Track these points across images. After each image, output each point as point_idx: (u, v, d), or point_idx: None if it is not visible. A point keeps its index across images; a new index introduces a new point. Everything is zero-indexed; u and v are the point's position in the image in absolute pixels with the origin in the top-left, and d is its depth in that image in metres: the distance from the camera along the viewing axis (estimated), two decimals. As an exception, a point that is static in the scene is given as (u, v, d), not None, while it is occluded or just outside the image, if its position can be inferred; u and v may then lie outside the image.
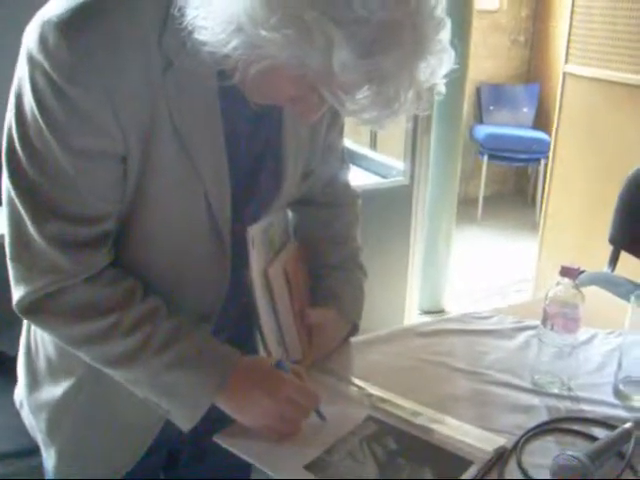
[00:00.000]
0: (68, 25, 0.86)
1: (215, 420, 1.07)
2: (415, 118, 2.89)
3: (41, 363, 1.16)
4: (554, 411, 1.15)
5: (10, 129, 0.93)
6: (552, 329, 1.19)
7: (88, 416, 1.15)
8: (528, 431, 1.09)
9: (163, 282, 1.06)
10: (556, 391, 1.20)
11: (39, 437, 1.20)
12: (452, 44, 0.86)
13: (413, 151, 2.93)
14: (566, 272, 1.17)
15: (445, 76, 0.87)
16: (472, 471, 1.00)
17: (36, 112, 0.89)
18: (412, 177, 2.93)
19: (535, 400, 1.18)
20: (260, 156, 1.09)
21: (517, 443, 1.06)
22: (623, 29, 3.14)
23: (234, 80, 0.86)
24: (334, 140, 1.25)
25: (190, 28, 0.83)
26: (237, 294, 1.13)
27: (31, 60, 0.89)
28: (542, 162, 4.97)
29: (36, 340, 1.17)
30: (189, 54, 0.86)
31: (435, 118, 3.37)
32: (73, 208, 0.95)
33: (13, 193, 0.94)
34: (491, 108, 5.40)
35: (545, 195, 3.74)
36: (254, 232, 1.10)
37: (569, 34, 3.40)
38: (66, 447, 1.17)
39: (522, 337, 1.37)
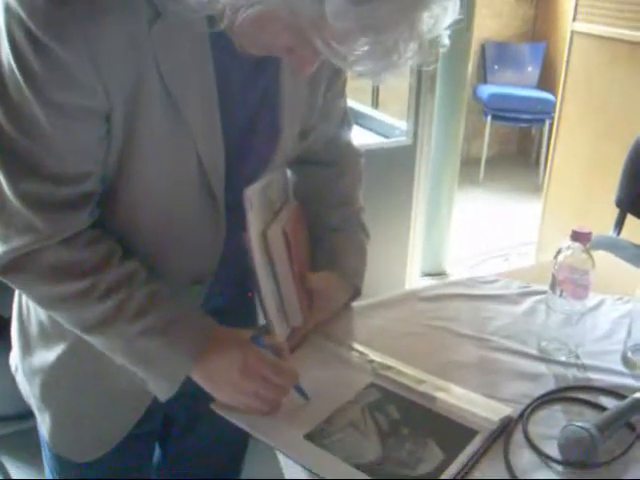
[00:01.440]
0: None
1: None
2: (419, 76, 2.85)
3: (33, 328, 1.13)
4: (561, 379, 1.12)
5: None
6: (561, 295, 1.15)
7: (81, 381, 1.12)
8: (535, 400, 1.06)
9: (153, 243, 1.02)
10: (563, 359, 1.17)
11: (33, 402, 1.18)
12: None
13: (416, 111, 2.87)
14: (577, 236, 1.13)
15: (449, 27, 0.81)
16: (477, 441, 0.97)
17: (13, 64, 0.84)
18: (415, 137, 2.88)
19: (542, 368, 1.15)
20: (256, 111, 1.04)
21: (523, 413, 1.03)
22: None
23: (222, 26, 0.80)
24: (335, 97, 1.20)
25: None
26: (234, 256, 1.09)
27: (8, 9, 0.83)
28: (547, 123, 4.90)
29: (28, 304, 1.14)
30: (176, 1, 0.80)
31: (439, 76, 3.30)
32: (51, 166, 0.90)
33: None
34: (495, 67, 5.30)
35: (549, 156, 3.68)
36: (251, 193, 1.05)
37: (577, -9, 3.31)
38: (60, 412, 1.15)
39: (528, 302, 1.34)
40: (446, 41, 0.83)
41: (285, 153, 1.11)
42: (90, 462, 1.17)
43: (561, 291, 1.15)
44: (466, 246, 4.01)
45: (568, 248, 1.14)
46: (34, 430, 1.28)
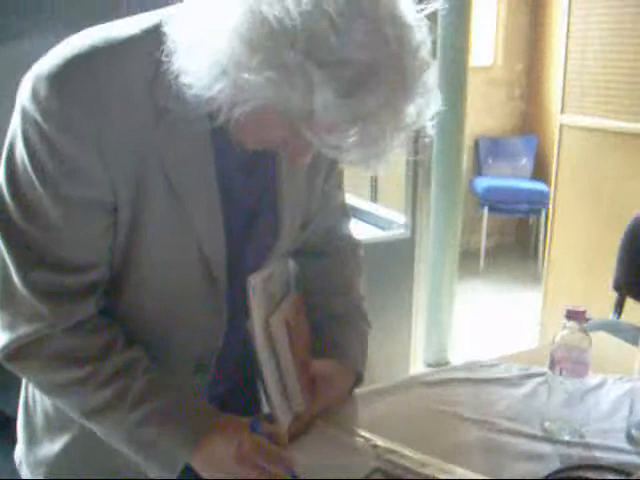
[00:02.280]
0: (58, 76, 0.88)
1: None
2: (414, 169, 2.93)
3: (39, 418, 1.14)
4: (567, 458, 1.12)
5: (0, 182, 0.94)
6: (560, 374, 1.16)
7: (84, 473, 1.12)
8: (541, 480, 1.06)
9: (156, 329, 1.05)
10: (567, 438, 1.17)
11: (37, 497, 1.17)
12: (440, 88, 0.87)
13: (414, 204, 2.93)
14: (572, 315, 1.15)
15: (432, 118, 0.87)
16: (483, 523, 0.96)
17: (27, 163, 0.90)
18: (413, 230, 2.93)
19: (546, 448, 1.15)
20: (256, 204, 1.09)
21: (529, 494, 1.03)
22: (617, 78, 3.18)
23: (218, 121, 0.85)
24: (332, 188, 1.25)
25: (176, 72, 0.84)
26: (236, 344, 1.11)
27: (23, 113, 0.90)
28: (543, 212, 4.98)
29: (34, 395, 1.15)
30: (178, 99, 0.86)
31: (435, 171, 3.39)
32: (60, 257, 0.94)
33: (1, 242, 0.94)
34: (490, 161, 5.44)
35: (547, 245, 3.73)
36: (255, 281, 1.08)
37: (563, 85, 3.45)
38: None
39: (530, 385, 1.35)
40: (431, 132, 0.88)
41: (286, 244, 1.15)
42: None
43: (560, 370, 1.16)
44: (469, 336, 4.01)
45: (564, 327, 1.16)
46: None
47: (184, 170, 0.97)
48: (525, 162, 5.46)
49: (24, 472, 1.19)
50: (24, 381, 1.19)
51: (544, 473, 1.08)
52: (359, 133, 0.80)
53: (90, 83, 0.89)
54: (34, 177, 0.90)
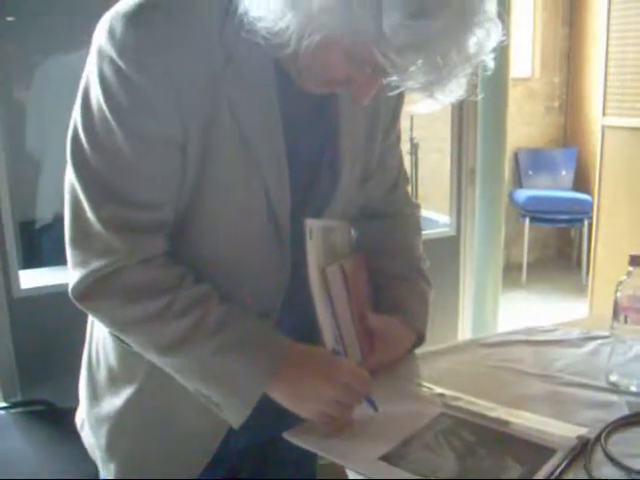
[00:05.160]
0: (135, 15, 0.92)
1: (275, 437, 1.05)
2: (458, 169, 2.94)
3: (102, 375, 1.15)
4: (635, 406, 1.10)
5: (75, 121, 0.97)
6: (625, 322, 1.15)
7: (149, 425, 1.13)
8: (612, 422, 1.04)
9: (220, 277, 1.05)
10: (634, 389, 1.15)
11: (98, 455, 1.18)
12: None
13: (458, 204, 2.93)
14: (637, 260, 1.14)
15: (492, 50, 0.88)
16: (557, 458, 0.95)
17: (101, 99, 0.93)
18: (458, 229, 2.93)
19: (614, 397, 1.13)
20: (318, 152, 1.11)
21: (601, 432, 1.01)
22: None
23: (286, 53, 0.87)
24: (391, 146, 1.26)
25: (246, 8, 0.87)
26: (300, 294, 1.12)
27: (100, 52, 0.93)
28: (585, 223, 4.93)
29: (97, 351, 1.17)
30: (247, 42, 0.89)
31: (477, 182, 3.39)
32: (131, 193, 0.96)
33: (74, 178, 0.97)
34: (530, 173, 5.41)
35: (592, 254, 3.68)
36: (312, 224, 1.10)
37: (605, 87, 3.44)
38: (126, 460, 1.15)
39: (591, 345, 1.33)
40: (491, 65, 0.90)
41: (345, 198, 1.16)
42: None
43: (625, 318, 1.15)
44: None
45: (629, 274, 1.15)
46: None
47: (252, 115, 0.99)
48: (565, 174, 5.42)
49: (85, 432, 1.21)
50: (87, 345, 1.21)
51: (612, 419, 1.06)
52: (424, 57, 0.82)
53: (165, 23, 0.92)
54: (108, 113, 0.93)
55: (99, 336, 1.16)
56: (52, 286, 2.04)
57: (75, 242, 0.99)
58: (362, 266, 1.27)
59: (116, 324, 1.03)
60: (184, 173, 0.99)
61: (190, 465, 1.14)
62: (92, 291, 0.98)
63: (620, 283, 1.16)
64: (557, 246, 5.80)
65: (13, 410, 1.87)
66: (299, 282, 1.11)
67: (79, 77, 0.98)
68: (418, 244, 1.34)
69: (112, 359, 1.13)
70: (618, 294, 1.15)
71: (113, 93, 0.92)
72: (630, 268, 1.15)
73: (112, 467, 1.15)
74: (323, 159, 1.12)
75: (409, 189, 1.37)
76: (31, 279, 2.14)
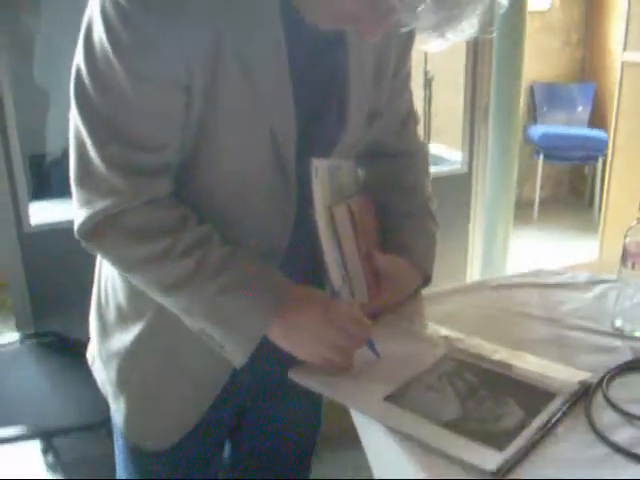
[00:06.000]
0: None
1: (280, 380, 1.07)
2: (472, 105, 2.89)
3: (111, 312, 1.17)
4: (639, 352, 1.11)
5: (78, 61, 0.96)
6: (633, 268, 1.14)
7: (157, 361, 1.15)
8: (614, 368, 1.04)
9: (227, 217, 1.06)
10: (639, 335, 1.16)
11: (109, 390, 1.20)
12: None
13: (471, 140, 2.90)
14: (647, 206, 1.13)
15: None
16: (558, 402, 0.96)
17: (104, 38, 0.91)
18: (470, 166, 2.90)
19: (618, 342, 1.14)
20: (325, 89, 1.09)
21: (603, 377, 1.02)
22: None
23: None
24: (401, 85, 1.24)
25: None
26: (306, 235, 1.12)
27: None
28: (600, 160, 4.87)
29: (107, 290, 1.18)
30: None
31: (491, 116, 3.34)
32: (134, 133, 0.96)
33: (78, 118, 0.96)
34: (545, 108, 5.33)
35: (605, 192, 3.64)
36: (318, 164, 1.09)
37: (627, 21, 3.34)
38: (135, 395, 1.18)
39: (598, 289, 1.33)
40: (505, 2, 0.88)
41: (353, 137, 1.15)
42: (162, 452, 1.19)
43: (633, 264, 1.14)
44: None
45: (639, 221, 1.14)
46: (107, 458, 1.31)
47: (258, 54, 0.97)
48: (581, 110, 5.33)
49: (97, 367, 1.23)
50: (96, 283, 1.22)
51: (615, 364, 1.06)
52: None
53: None
54: (110, 52, 0.91)
55: (108, 274, 1.17)
56: (63, 222, 2.05)
57: (80, 182, 0.99)
58: (369, 206, 1.26)
59: (120, 263, 1.04)
60: (188, 113, 0.98)
61: (198, 399, 1.16)
62: (97, 231, 0.99)
63: (630, 229, 1.15)
64: (570, 184, 5.75)
65: (27, 341, 1.91)
66: (306, 222, 1.11)
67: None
68: (426, 183, 1.33)
69: (121, 298, 1.14)
70: (627, 240, 1.15)
71: (116, 32, 0.90)
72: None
73: (122, 403, 1.18)
74: (331, 98, 1.10)
75: (419, 129, 1.35)
76: (42, 213, 2.15)
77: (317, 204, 1.10)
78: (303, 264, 1.14)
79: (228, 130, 1.00)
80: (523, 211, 4.95)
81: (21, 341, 1.90)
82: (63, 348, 1.90)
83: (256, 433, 1.40)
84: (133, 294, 1.12)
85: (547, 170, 5.31)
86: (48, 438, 1.61)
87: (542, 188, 5.24)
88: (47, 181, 2.45)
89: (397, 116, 1.27)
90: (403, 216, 1.27)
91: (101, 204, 0.97)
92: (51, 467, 2.19)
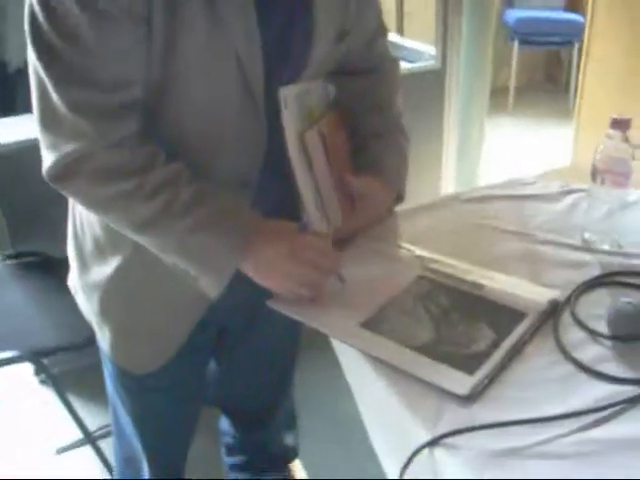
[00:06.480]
0: None
1: (258, 302, 1.09)
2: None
3: (88, 245, 1.17)
4: (607, 266, 1.14)
5: (31, 2, 0.91)
6: (602, 184, 1.16)
7: (138, 292, 1.17)
8: (582, 284, 1.08)
9: (198, 147, 1.06)
10: (607, 248, 1.19)
11: (93, 319, 1.23)
12: None
13: (444, 34, 2.83)
14: (617, 124, 1.13)
15: None
16: (527, 322, 1.00)
17: None
18: (444, 61, 2.85)
19: (587, 257, 1.17)
20: (290, 14, 1.06)
21: (571, 295, 1.06)
22: None
23: None
24: (368, 3, 1.21)
25: None
26: (278, 161, 1.12)
27: None
28: (575, 46, 4.79)
29: (82, 223, 1.18)
30: None
31: (466, 7, 3.25)
32: (95, 73, 0.94)
33: (36, 60, 0.93)
34: (521, -9, 5.18)
35: (580, 77, 3.61)
36: (287, 92, 1.08)
37: None
38: (119, 325, 1.20)
39: (569, 199, 1.35)
40: None
41: (321, 58, 1.13)
42: (149, 374, 1.23)
43: (602, 180, 1.16)
44: (499, 175, 3.98)
45: (608, 137, 1.15)
46: (96, 368, 1.34)
47: None
48: (558, -8, 5.19)
49: (79, 298, 1.25)
50: (70, 213, 1.22)
51: (584, 279, 1.10)
52: None
53: None
54: None
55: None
56: (32, 139, 2.00)
57: (44, 124, 0.97)
58: (340, 124, 1.25)
59: (90, 205, 1.05)
60: (150, 45, 0.95)
61: (180, 327, 1.20)
62: (64, 174, 0.98)
63: (600, 145, 1.16)
64: (546, 70, 5.67)
65: (8, 262, 1.91)
66: (277, 151, 1.11)
67: None
68: (397, 99, 1.32)
69: (97, 229, 1.15)
70: (597, 156, 1.16)
71: None
72: (610, 131, 1.14)
73: (106, 332, 1.21)
74: (297, 16, 1.07)
75: (387, 41, 1.32)
76: (9, 131, 2.10)
77: (288, 133, 1.10)
78: (277, 192, 1.15)
79: (192, 62, 0.97)
80: (498, 99, 4.89)
81: (2, 262, 1.90)
82: (46, 267, 1.90)
83: (239, 349, 1.44)
84: (109, 227, 1.12)
85: (523, 56, 5.21)
86: (37, 360, 1.65)
87: (518, 75, 5.16)
88: (11, 95, 2.37)
89: (366, 30, 1.24)
90: (374, 135, 1.27)
91: (67, 148, 0.96)
92: (44, 383, 2.27)
